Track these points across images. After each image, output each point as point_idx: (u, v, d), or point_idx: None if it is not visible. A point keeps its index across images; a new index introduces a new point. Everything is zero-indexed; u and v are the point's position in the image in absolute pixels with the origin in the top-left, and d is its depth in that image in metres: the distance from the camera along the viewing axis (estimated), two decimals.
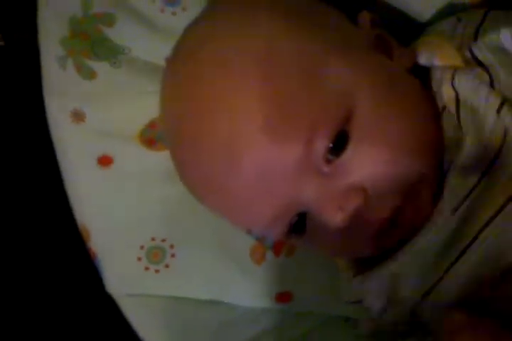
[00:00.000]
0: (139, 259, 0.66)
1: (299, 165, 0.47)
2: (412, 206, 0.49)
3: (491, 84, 0.48)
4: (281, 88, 0.47)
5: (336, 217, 0.48)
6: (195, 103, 0.51)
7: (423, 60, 0.52)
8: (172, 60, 0.57)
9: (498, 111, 0.47)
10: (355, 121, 0.47)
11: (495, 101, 0.47)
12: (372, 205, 0.48)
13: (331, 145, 0.47)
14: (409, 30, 0.57)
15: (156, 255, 0.66)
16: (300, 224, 0.51)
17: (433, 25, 0.56)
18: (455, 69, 0.49)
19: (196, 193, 0.56)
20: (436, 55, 0.51)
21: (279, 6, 0.53)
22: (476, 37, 0.50)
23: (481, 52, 0.48)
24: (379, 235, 0.50)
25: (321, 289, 0.66)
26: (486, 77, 0.48)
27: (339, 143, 0.48)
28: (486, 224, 0.47)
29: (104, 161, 0.66)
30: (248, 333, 0.66)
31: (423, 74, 0.52)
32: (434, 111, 0.51)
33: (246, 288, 0.67)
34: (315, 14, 0.54)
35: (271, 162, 0.47)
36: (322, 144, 0.47)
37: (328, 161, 0.48)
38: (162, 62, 0.63)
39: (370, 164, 0.48)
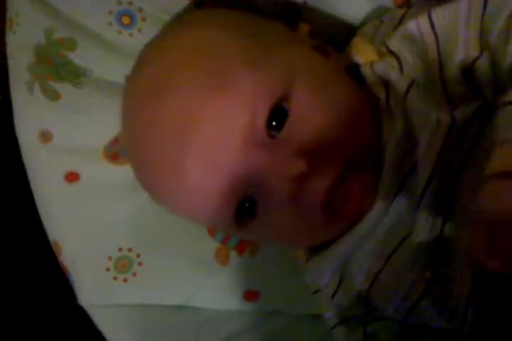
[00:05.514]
0: (108, 270, 0.69)
1: (245, 135, 0.50)
2: (357, 177, 0.51)
3: (401, 70, 0.52)
4: (224, 65, 0.51)
5: (283, 187, 0.50)
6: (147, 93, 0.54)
7: (352, 60, 0.56)
8: (129, 78, 0.61)
9: (406, 93, 0.51)
10: (294, 99, 0.51)
11: (403, 84, 0.51)
12: (317, 175, 0.50)
13: (271, 120, 0.50)
14: (346, 36, 0.62)
15: (124, 265, 0.69)
16: (249, 209, 0.53)
17: (360, 29, 0.61)
18: (371, 64, 0.54)
19: (146, 179, 0.57)
20: (357, 54, 0.56)
21: (227, 20, 0.58)
22: None
23: (393, 44, 0.53)
24: (327, 205, 0.51)
25: (286, 287, 0.68)
26: (396, 64, 0.53)
27: (279, 119, 0.51)
28: None
29: (71, 177, 0.69)
30: (220, 335, 0.69)
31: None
32: (370, 100, 0.54)
33: (214, 290, 0.70)
34: (257, 22, 0.59)
35: (220, 133, 0.50)
36: (262, 117, 0.50)
37: (271, 136, 0.51)
38: (122, 81, 0.67)
39: (309, 135, 0.50)
